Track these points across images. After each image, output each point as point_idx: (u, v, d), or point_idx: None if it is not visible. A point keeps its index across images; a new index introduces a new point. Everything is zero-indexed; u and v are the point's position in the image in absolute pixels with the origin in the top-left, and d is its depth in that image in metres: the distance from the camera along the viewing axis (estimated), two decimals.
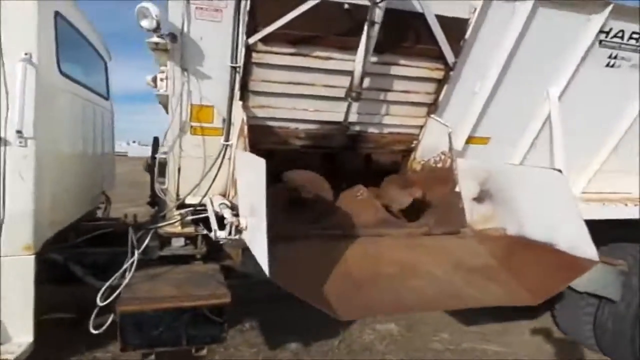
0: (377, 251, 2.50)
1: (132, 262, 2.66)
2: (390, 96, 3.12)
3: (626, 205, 4.00)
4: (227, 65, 2.70)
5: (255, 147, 3.00)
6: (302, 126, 3.14)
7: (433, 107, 3.22)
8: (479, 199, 2.85)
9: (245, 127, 2.66)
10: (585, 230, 2.23)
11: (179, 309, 2.34)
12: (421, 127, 3.33)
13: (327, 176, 3.06)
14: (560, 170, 2.36)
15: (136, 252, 2.71)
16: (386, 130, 3.33)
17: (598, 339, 4.08)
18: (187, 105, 2.84)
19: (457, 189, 2.90)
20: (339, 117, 3.09)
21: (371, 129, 3.29)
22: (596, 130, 3.73)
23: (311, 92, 2.98)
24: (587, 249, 2.22)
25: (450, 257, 2.56)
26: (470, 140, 3.45)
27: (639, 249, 3.98)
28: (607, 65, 3.40)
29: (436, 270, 2.41)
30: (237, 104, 2.81)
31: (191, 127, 2.94)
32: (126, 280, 2.59)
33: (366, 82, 2.93)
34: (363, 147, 3.36)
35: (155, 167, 3.22)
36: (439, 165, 3.12)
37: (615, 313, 3.89)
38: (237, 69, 2.72)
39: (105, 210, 4.72)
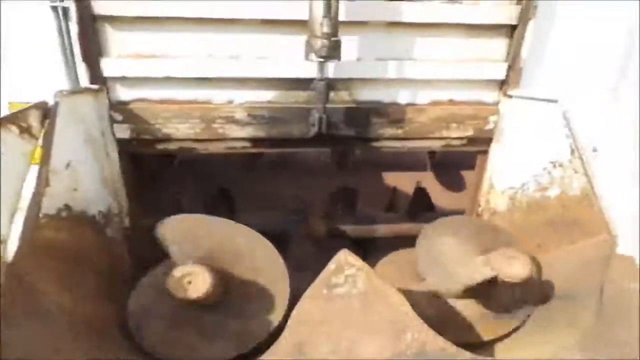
0: None
1: None
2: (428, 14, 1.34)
3: None
4: None
5: (131, 152, 1.47)
6: (238, 96, 1.47)
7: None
8: None
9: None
10: None
11: None
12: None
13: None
14: None
15: None
16: (427, 96, 1.52)
17: None
18: None
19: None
20: (309, 71, 1.37)
21: (387, 95, 1.51)
22: None
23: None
24: None
25: None
26: None
27: None
28: None
29: None
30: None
31: None
32: None
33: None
34: (374, 135, 1.56)
35: None
36: (550, 194, 1.28)
37: None
38: None
39: None
